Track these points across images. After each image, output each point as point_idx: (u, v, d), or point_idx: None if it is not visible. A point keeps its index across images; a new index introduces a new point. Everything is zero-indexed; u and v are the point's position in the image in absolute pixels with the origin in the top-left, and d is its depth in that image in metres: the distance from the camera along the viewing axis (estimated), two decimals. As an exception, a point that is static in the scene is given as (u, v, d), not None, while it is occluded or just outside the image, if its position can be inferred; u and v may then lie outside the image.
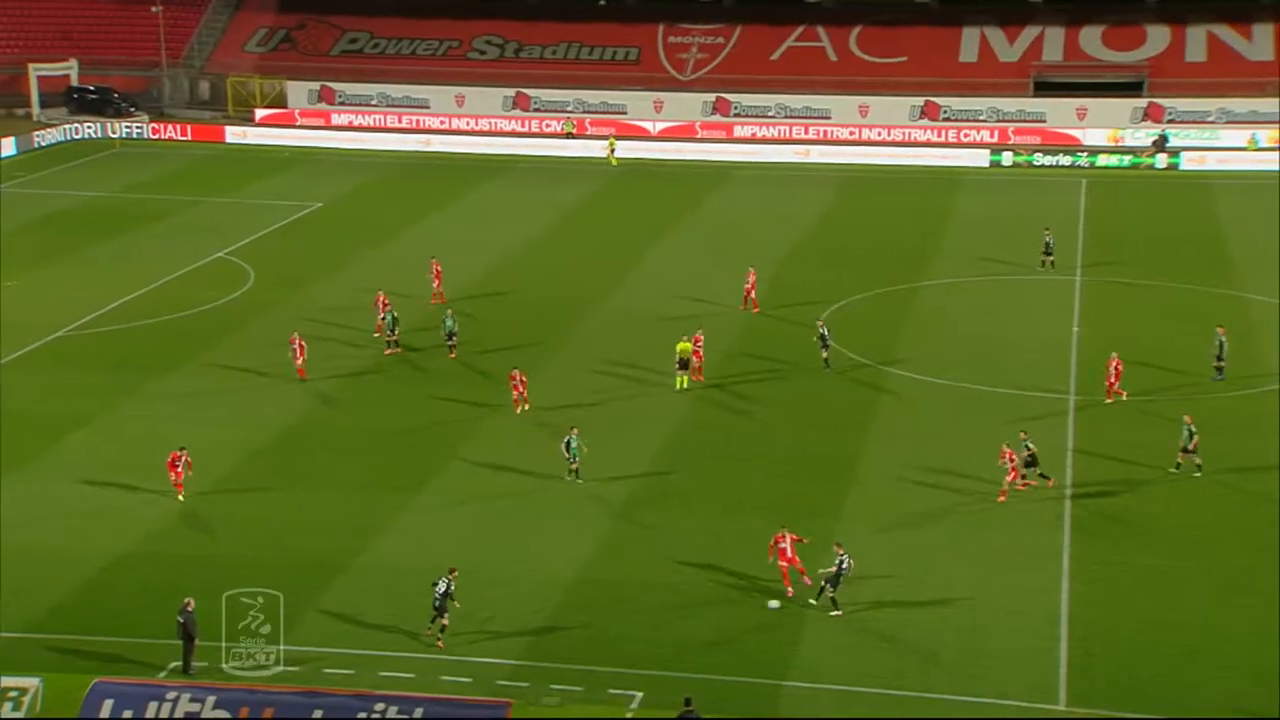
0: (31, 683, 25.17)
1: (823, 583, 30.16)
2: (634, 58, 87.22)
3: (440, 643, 28.54)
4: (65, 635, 28.64)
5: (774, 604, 29.63)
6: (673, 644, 28.88)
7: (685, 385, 42.20)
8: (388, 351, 45.01)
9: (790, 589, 30.22)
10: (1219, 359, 42.65)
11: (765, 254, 57.64)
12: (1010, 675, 28.00)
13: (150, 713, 24.29)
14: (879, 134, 79.88)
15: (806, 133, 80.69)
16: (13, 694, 24.72)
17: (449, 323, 45.74)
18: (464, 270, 55.40)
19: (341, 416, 40.58)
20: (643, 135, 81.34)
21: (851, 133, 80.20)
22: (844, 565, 30.07)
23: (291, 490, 35.93)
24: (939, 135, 79.80)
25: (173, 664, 27.48)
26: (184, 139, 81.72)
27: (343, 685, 26.55)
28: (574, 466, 35.66)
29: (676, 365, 42.34)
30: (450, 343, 45.42)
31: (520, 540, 33.38)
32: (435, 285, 50.77)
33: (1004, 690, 27.49)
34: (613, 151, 76.92)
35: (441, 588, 28.45)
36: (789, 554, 30.23)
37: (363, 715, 24.26)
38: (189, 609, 27.53)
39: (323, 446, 38.42)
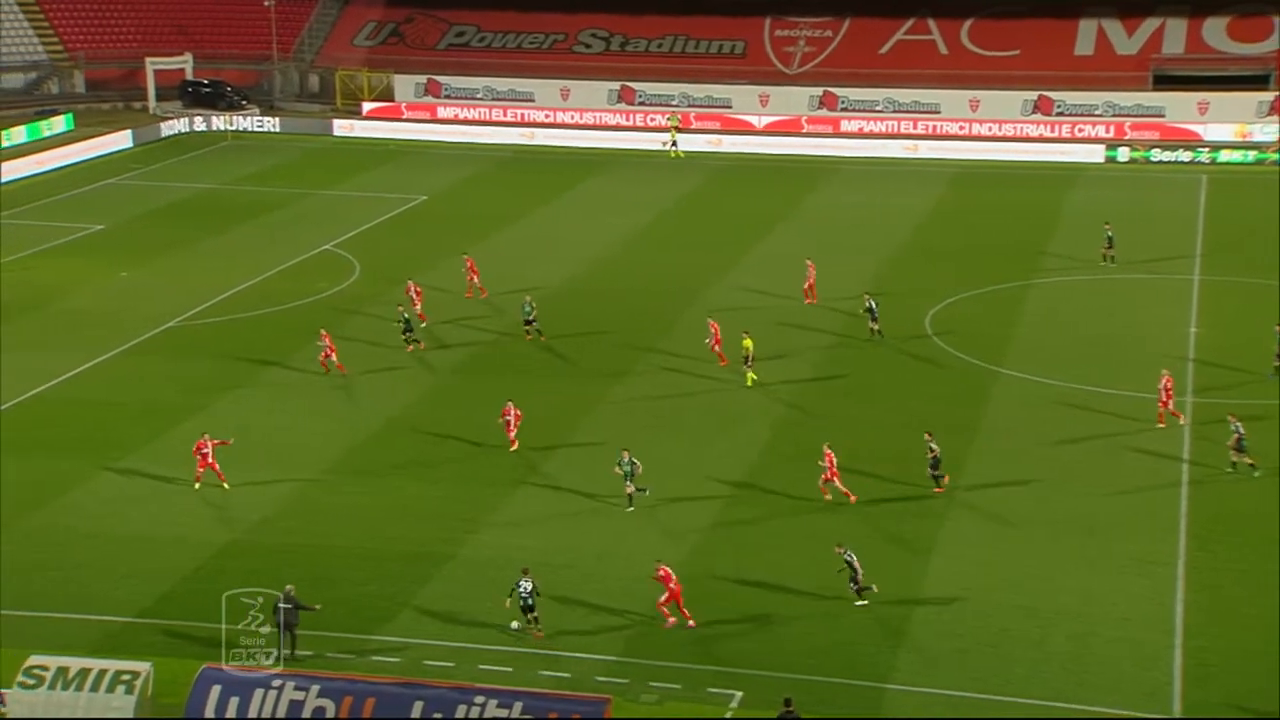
0: (142, 667, 25.80)
1: (853, 588, 29.85)
2: (740, 51, 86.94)
3: (539, 634, 28.73)
4: (174, 621, 29.29)
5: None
6: (773, 643, 28.75)
7: (754, 380, 42.01)
8: (409, 349, 44.96)
9: (672, 620, 29.29)
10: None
11: (871, 250, 57.17)
12: (1122, 683, 27.42)
13: (256, 700, 24.76)
14: (990, 129, 78.72)
15: (915, 127, 79.80)
16: (125, 677, 25.35)
17: (527, 308, 46.12)
18: (566, 264, 55.73)
19: (442, 409, 40.99)
20: (748, 130, 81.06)
21: (961, 127, 79.14)
22: (853, 561, 29.75)
23: (393, 481, 36.39)
24: (1052, 130, 78.40)
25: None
26: (293, 132, 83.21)
27: (442, 678, 26.81)
28: (629, 491, 34.39)
29: (744, 362, 42.22)
30: (528, 327, 45.85)
31: (619, 535, 33.46)
32: (473, 280, 51.13)
33: (1116, 699, 26.93)
34: (674, 144, 76.60)
35: (528, 586, 28.61)
36: (672, 581, 29.23)
37: (463, 708, 24.47)
38: (290, 595, 28.04)
39: (425, 439, 38.83)
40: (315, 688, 24.86)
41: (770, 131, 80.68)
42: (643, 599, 30.40)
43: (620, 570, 31.70)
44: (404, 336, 45.29)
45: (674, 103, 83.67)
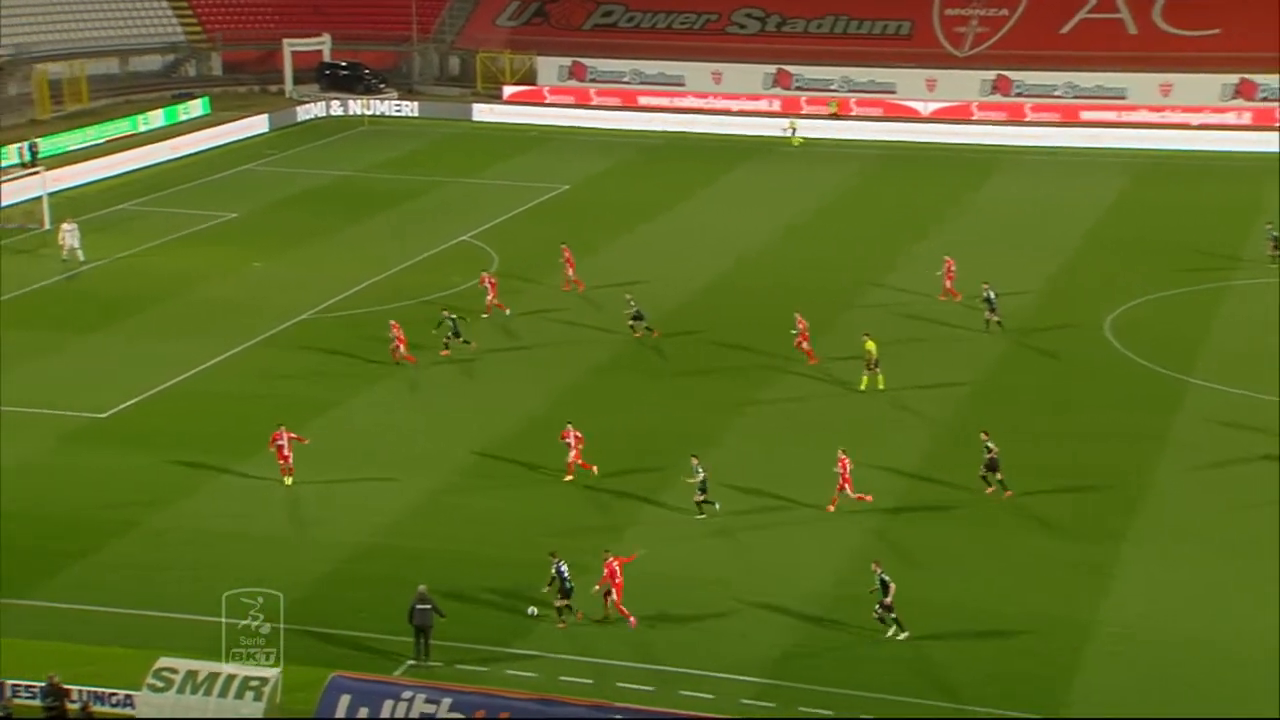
0: (271, 674, 26.55)
1: (877, 609, 29.35)
2: (906, 32, 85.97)
3: (579, 615, 29.73)
4: (304, 626, 30.06)
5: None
6: (934, 669, 28.39)
7: (879, 385, 41.73)
8: (443, 352, 44.86)
9: (629, 619, 30.08)
10: None
11: (1046, 248, 56.11)
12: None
13: (385, 710, 25.29)
14: (1183, 116, 76.58)
15: (1099, 114, 78.02)
16: (254, 683, 26.14)
17: (631, 306, 46.74)
18: (713, 258, 55.78)
19: (579, 412, 41.29)
20: (913, 117, 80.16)
21: (1151, 115, 77.14)
22: (888, 583, 29.25)
23: (525, 487, 36.78)
24: (1256, 118, 75.92)
25: (409, 662, 28.55)
26: (432, 117, 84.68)
27: (579, 695, 27.04)
28: (697, 499, 34.69)
29: (867, 366, 41.85)
30: (636, 324, 46.34)
31: (769, 551, 33.38)
32: (569, 273, 51.62)
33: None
34: (794, 130, 76.63)
35: (564, 568, 29.82)
36: (618, 578, 30.05)
37: (600, 727, 24.68)
38: (425, 595, 28.57)
39: (555, 441, 39.05)
40: (446, 700, 25.28)
41: (937, 119, 79.63)
42: (794, 617, 30.26)
43: (769, 587, 31.60)
44: (445, 339, 44.95)
45: (833, 87, 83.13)
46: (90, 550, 33.61)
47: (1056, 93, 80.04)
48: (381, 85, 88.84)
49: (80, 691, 26.80)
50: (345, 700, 25.46)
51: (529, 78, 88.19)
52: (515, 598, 31.27)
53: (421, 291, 52.18)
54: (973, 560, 32.58)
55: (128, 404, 41.99)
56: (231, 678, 26.14)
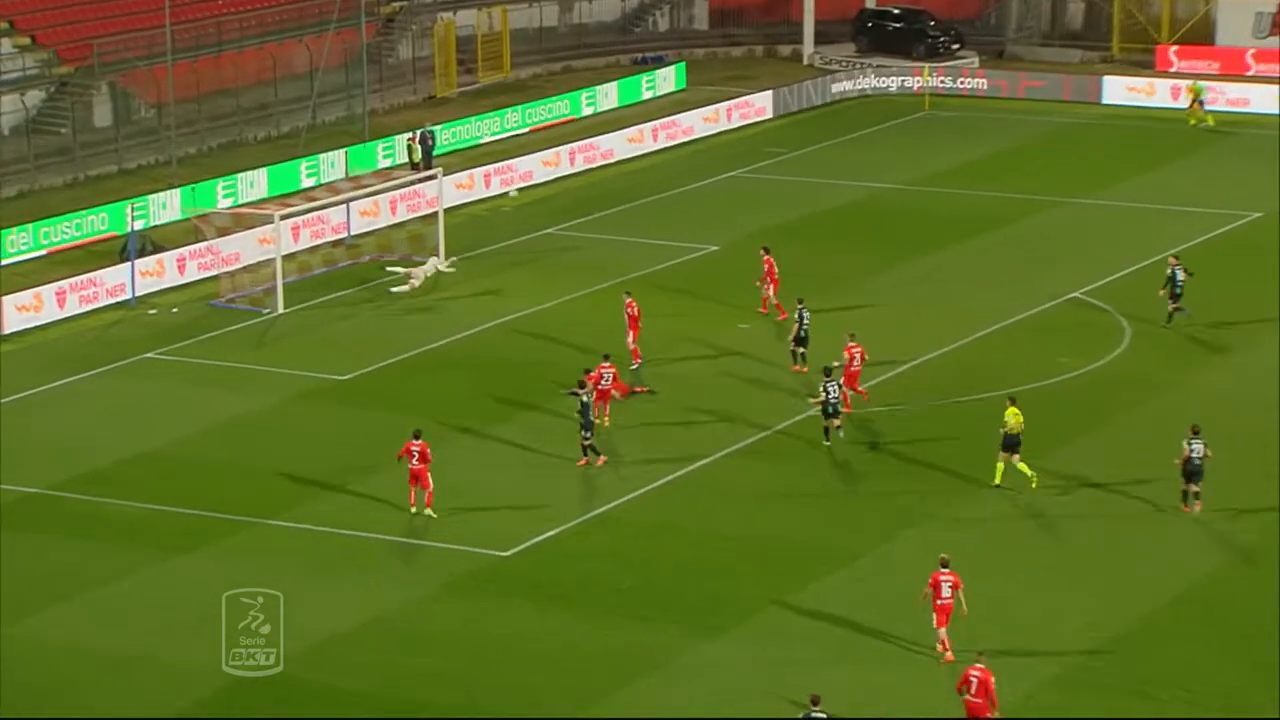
0: None
1: None
2: None
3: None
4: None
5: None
6: None
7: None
8: (583, 461, 47.77)
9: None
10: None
11: None
12: None
13: None
14: None
15: None
16: None
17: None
18: None
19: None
20: None
21: None
22: None
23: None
24: None
25: None
26: (1035, 98, 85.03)
27: None
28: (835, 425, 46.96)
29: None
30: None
31: None
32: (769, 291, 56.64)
33: None
34: (1197, 103, 77.87)
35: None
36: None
37: None
38: None
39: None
40: None
41: None
42: None
43: None
44: (584, 436, 47.39)
45: None
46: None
47: None
48: (955, 46, 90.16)
49: None
50: None
51: (1203, 33, 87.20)
52: None
53: (1004, 377, 51.94)
54: None
55: (540, 540, 43.68)
56: None
